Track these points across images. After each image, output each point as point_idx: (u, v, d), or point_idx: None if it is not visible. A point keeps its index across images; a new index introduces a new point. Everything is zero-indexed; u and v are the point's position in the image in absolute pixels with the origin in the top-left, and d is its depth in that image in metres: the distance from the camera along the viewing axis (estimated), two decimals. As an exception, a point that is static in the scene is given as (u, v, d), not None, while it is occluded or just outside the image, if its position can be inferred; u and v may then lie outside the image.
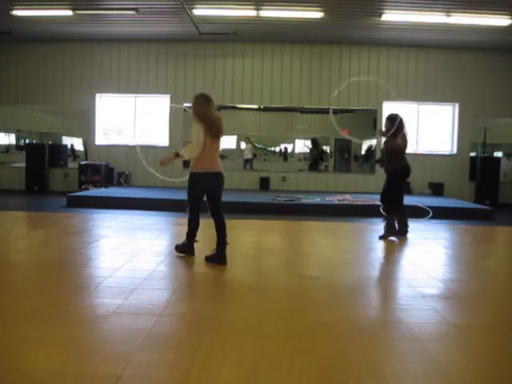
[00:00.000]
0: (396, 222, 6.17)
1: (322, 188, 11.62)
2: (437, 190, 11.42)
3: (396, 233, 6.17)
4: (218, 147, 4.61)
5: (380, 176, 11.71)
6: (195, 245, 4.81)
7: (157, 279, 3.95)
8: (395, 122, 6.00)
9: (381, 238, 6.10)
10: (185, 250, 4.81)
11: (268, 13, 9.44)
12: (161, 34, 11.22)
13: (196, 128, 4.40)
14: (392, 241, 6.00)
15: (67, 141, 13.73)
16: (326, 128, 12.09)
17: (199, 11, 9.30)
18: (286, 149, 12.66)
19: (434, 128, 11.91)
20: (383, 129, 6.21)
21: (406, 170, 6.20)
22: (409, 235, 6.65)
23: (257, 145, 12.61)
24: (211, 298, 3.59)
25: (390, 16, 9.34)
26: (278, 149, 12.80)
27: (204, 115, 4.44)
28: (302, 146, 12.62)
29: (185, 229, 4.78)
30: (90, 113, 11.96)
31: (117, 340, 2.64)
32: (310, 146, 12.47)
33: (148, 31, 10.97)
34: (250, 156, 12.37)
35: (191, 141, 4.44)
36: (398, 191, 6.23)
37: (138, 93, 11.94)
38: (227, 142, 12.57)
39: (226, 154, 12.31)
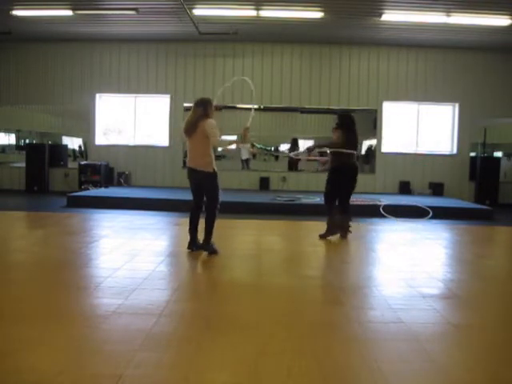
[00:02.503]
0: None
1: (322, 188, 11.54)
2: (437, 190, 11.42)
3: (336, 232, 6.10)
4: (193, 144, 4.83)
5: (380, 176, 11.79)
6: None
7: (157, 279, 3.95)
8: (344, 120, 6.10)
9: (321, 236, 6.07)
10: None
11: (268, 13, 9.43)
12: (161, 34, 11.22)
13: None
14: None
15: (68, 141, 13.74)
16: (327, 128, 12.09)
17: (199, 11, 9.30)
18: (276, 148, 12.62)
19: (434, 128, 11.91)
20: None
21: (346, 168, 5.99)
22: (409, 235, 6.67)
23: (257, 145, 12.60)
24: (211, 297, 3.59)
25: (390, 16, 9.33)
26: (273, 148, 12.82)
27: None
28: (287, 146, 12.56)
29: (184, 229, 4.81)
30: (90, 113, 11.96)
31: (117, 340, 2.64)
32: (289, 146, 12.41)
33: (148, 31, 10.97)
34: (247, 156, 12.34)
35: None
36: (340, 190, 6.10)
37: (138, 93, 11.93)
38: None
39: (224, 154, 12.34)
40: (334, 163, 6.08)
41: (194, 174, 4.86)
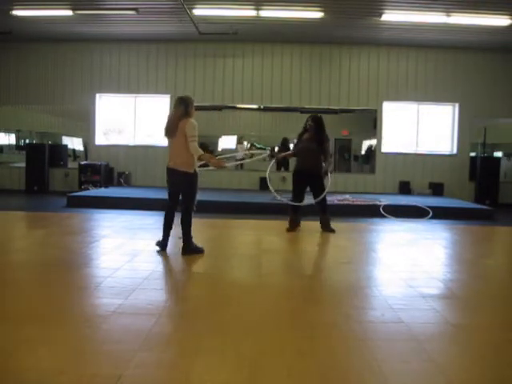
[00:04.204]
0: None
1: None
2: (437, 190, 11.42)
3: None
4: (174, 144, 4.77)
5: (380, 176, 11.79)
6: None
7: (156, 279, 3.95)
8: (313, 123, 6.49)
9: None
10: (157, 243, 4.94)
11: (268, 13, 9.44)
12: (161, 34, 11.22)
13: None
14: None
15: (68, 141, 13.74)
16: (326, 128, 12.08)
17: (199, 11, 9.30)
18: (273, 148, 12.57)
19: (434, 128, 11.91)
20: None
21: (296, 171, 6.58)
22: (409, 235, 6.68)
23: (257, 145, 12.60)
24: (211, 297, 3.59)
25: (390, 16, 9.34)
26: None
27: None
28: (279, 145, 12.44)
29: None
30: (90, 113, 11.96)
31: (117, 340, 2.64)
32: (279, 146, 12.28)
33: (148, 31, 10.97)
34: (242, 156, 12.29)
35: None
36: (294, 190, 6.58)
37: (138, 93, 11.94)
38: (227, 142, 12.58)
39: (224, 153, 12.32)
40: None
41: (174, 174, 4.76)
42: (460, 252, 5.92)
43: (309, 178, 6.43)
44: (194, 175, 4.75)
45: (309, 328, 2.92)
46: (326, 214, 6.58)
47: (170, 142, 4.83)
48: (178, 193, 4.87)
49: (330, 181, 6.55)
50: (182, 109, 4.68)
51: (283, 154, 6.79)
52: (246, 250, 5.47)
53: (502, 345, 2.75)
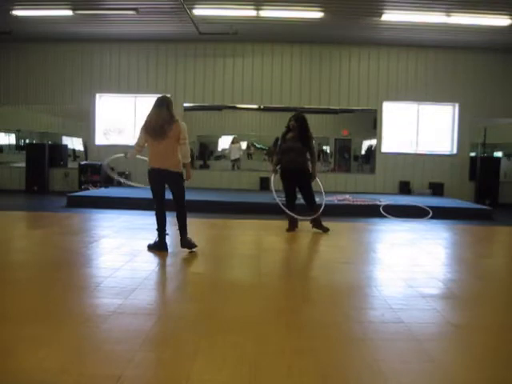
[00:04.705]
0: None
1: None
2: (437, 190, 11.42)
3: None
4: (163, 146, 4.70)
5: (380, 176, 11.79)
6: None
7: (156, 279, 3.95)
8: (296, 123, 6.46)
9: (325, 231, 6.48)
10: (154, 246, 4.94)
11: (268, 13, 9.44)
12: (161, 34, 11.22)
13: None
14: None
15: (68, 141, 13.74)
16: (326, 128, 12.10)
17: (199, 11, 9.30)
18: (269, 148, 12.53)
19: (434, 128, 11.92)
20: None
21: (283, 170, 6.52)
22: (409, 235, 6.68)
23: (257, 145, 12.60)
24: (211, 297, 3.58)
25: (390, 16, 9.34)
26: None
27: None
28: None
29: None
30: (90, 113, 11.97)
31: (117, 340, 2.64)
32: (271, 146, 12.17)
33: (148, 31, 10.97)
34: (237, 156, 12.29)
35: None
36: (285, 189, 6.57)
37: (138, 93, 11.93)
38: (226, 141, 12.58)
39: (223, 154, 12.36)
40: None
41: (165, 175, 4.74)
42: (460, 252, 5.92)
43: (296, 175, 6.44)
44: (182, 174, 4.87)
45: (309, 328, 2.92)
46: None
47: (153, 143, 4.73)
48: (164, 191, 4.90)
49: (319, 182, 6.58)
50: (165, 109, 4.66)
51: (273, 168, 6.73)
52: (246, 250, 5.47)
53: (502, 345, 2.75)
